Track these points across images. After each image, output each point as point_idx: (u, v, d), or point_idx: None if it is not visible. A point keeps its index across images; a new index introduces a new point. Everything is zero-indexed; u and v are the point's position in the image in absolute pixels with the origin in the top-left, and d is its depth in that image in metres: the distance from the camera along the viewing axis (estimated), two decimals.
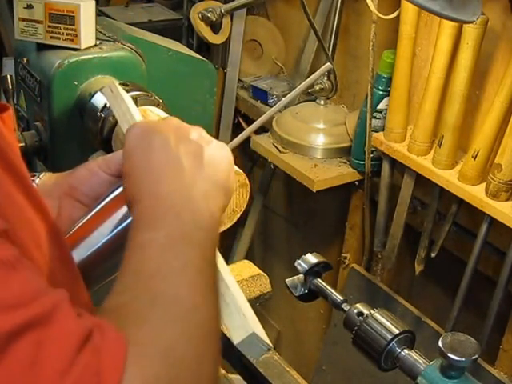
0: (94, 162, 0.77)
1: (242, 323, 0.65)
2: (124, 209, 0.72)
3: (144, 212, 0.63)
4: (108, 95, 0.81)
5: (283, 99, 0.87)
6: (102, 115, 1.24)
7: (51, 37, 1.32)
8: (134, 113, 0.76)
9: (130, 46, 1.38)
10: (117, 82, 0.80)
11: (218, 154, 0.70)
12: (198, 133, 0.70)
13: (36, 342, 0.46)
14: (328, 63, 1.07)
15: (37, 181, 0.78)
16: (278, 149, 1.72)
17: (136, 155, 0.67)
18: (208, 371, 0.55)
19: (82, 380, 0.46)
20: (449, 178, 1.41)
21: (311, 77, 0.96)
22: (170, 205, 0.62)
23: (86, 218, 0.73)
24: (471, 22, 1.04)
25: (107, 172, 0.75)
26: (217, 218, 0.66)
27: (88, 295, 0.66)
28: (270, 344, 0.67)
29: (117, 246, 0.73)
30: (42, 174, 0.79)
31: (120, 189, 0.72)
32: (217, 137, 2.00)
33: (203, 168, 0.67)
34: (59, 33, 1.31)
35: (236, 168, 0.86)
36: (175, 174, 0.65)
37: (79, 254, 0.72)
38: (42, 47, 1.34)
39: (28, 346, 0.45)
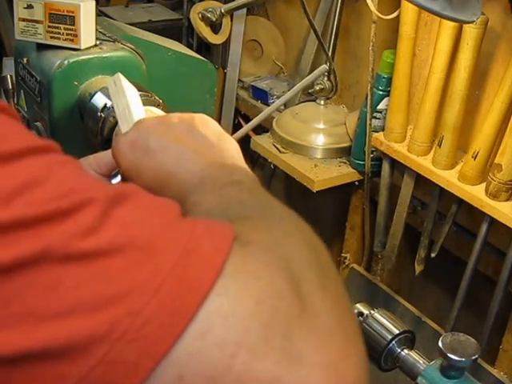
0: (85, 160, 0.76)
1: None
2: None
3: (179, 193, 0.62)
4: (111, 88, 0.79)
5: (278, 100, 0.87)
6: (103, 115, 1.24)
7: (51, 37, 1.31)
8: (133, 110, 0.74)
9: (130, 46, 1.37)
10: (121, 76, 0.79)
11: (205, 121, 0.70)
12: (176, 116, 0.70)
13: (134, 206, 0.45)
14: (324, 65, 1.07)
15: None
16: (278, 149, 1.72)
17: (139, 172, 0.66)
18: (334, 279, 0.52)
19: (194, 240, 0.45)
20: (449, 178, 1.41)
21: (307, 77, 0.96)
22: (200, 176, 0.62)
23: None
24: (471, 22, 1.04)
25: (98, 171, 0.75)
26: (248, 169, 0.66)
27: None
28: None
29: None
30: None
31: None
32: None
33: (205, 139, 0.67)
34: (59, 33, 1.31)
35: None
36: (185, 157, 0.64)
37: None
38: (42, 47, 1.34)
39: (128, 209, 0.45)
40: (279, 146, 1.72)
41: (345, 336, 0.46)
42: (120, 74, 0.79)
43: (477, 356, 0.91)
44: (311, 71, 1.88)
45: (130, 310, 0.41)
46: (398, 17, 1.43)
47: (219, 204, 0.57)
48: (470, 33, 1.29)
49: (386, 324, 0.98)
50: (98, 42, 1.36)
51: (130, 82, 0.82)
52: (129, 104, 0.74)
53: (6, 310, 0.40)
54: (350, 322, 0.48)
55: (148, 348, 0.41)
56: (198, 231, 0.45)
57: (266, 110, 0.90)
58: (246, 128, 0.87)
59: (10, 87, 1.49)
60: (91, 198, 0.43)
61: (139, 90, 1.25)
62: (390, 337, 0.97)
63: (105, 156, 0.75)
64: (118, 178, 0.72)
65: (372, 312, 1.00)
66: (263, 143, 1.74)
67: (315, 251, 0.52)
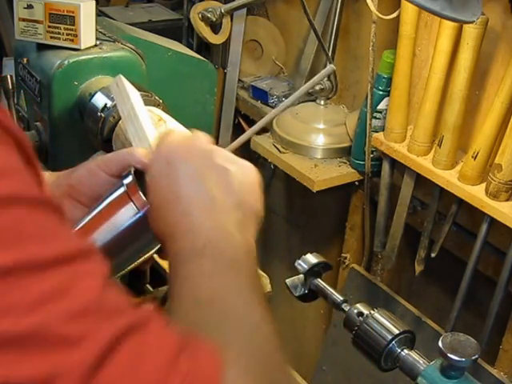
0: (94, 161, 0.76)
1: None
2: (128, 208, 0.71)
3: (181, 248, 0.63)
4: (114, 91, 0.79)
5: (284, 102, 0.87)
6: (103, 115, 1.24)
7: (51, 37, 1.32)
8: (138, 111, 0.75)
9: (130, 46, 1.38)
10: (123, 78, 0.78)
11: (245, 175, 0.69)
12: (222, 154, 0.69)
13: (136, 348, 0.47)
14: (331, 65, 1.07)
15: None
16: (278, 149, 1.72)
17: (162, 186, 0.66)
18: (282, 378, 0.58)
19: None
20: (449, 178, 1.41)
21: (313, 79, 0.96)
22: (206, 240, 0.62)
23: (88, 218, 0.73)
24: (471, 22, 1.04)
25: (107, 172, 0.74)
26: (252, 245, 0.66)
27: None
28: None
29: (121, 245, 0.73)
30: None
31: (122, 189, 0.72)
32: (217, 137, 2.00)
33: (233, 195, 0.66)
34: (59, 33, 1.31)
35: None
36: (206, 206, 0.64)
37: None
38: (42, 47, 1.34)
39: (128, 352, 0.46)
40: (279, 146, 1.72)
41: None
42: (122, 76, 0.79)
43: (477, 356, 0.91)
44: (311, 71, 1.88)
45: None
46: (398, 17, 1.43)
47: (206, 301, 0.58)
48: (470, 33, 1.29)
49: (386, 324, 0.98)
50: (98, 42, 1.36)
51: (130, 82, 0.82)
52: (134, 106, 0.74)
53: None
54: None
55: None
56: (189, 378, 0.48)
57: (271, 113, 0.90)
58: (249, 133, 0.87)
59: (10, 87, 1.49)
60: (98, 329, 0.45)
61: (139, 90, 1.25)
62: (390, 337, 0.97)
63: (113, 157, 0.75)
64: (130, 179, 0.71)
65: (372, 312, 0.99)
66: (263, 143, 1.74)
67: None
